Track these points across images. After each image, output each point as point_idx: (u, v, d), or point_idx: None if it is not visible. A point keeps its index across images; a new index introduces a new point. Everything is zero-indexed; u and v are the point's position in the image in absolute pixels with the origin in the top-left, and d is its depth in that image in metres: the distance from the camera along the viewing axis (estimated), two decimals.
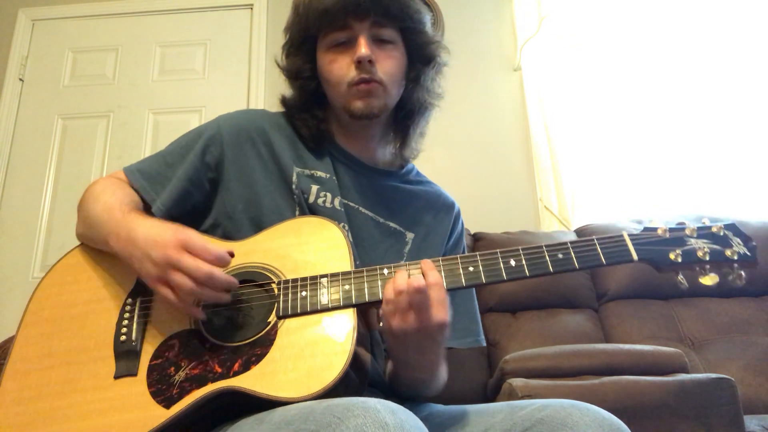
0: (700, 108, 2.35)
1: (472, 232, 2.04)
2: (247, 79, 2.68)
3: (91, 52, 2.77)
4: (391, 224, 1.00)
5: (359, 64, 0.91)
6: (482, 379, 1.73)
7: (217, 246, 0.77)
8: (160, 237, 0.77)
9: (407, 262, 0.81)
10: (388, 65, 0.94)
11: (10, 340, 1.12)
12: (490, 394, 1.42)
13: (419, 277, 0.75)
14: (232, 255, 0.78)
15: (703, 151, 2.30)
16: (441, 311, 0.74)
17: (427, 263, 0.78)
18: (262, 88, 2.64)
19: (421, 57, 0.99)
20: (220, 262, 0.75)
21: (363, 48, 0.91)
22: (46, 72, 2.73)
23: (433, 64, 1.01)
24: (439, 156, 2.46)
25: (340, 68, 0.93)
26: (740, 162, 2.26)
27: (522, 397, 1.11)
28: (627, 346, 1.35)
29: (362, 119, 0.95)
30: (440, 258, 0.80)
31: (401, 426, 0.55)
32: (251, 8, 2.80)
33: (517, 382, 1.16)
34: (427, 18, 0.99)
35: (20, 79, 2.71)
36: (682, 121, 2.34)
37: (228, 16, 2.81)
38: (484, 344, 1.02)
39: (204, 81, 2.71)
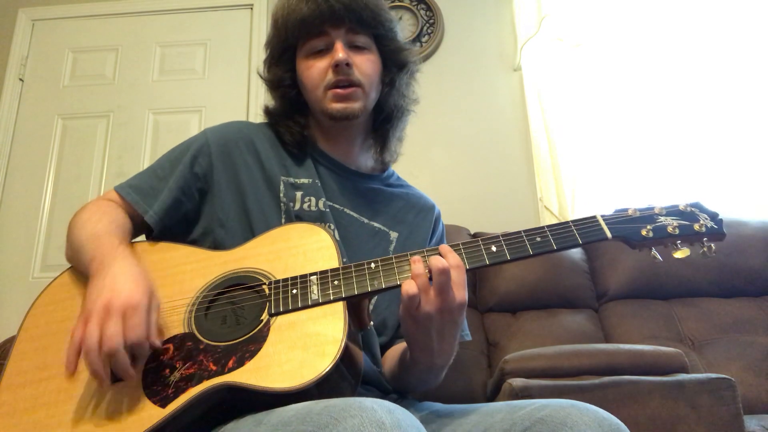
0: (700, 109, 2.34)
1: (472, 232, 2.04)
2: (247, 79, 2.68)
3: (91, 52, 2.77)
4: (375, 224, 1.05)
5: (336, 67, 0.97)
6: (482, 379, 1.73)
7: (157, 334, 0.77)
8: (128, 287, 0.76)
9: (392, 255, 0.84)
10: (365, 67, 1.00)
11: (10, 340, 1.12)
12: (490, 394, 1.41)
13: (440, 258, 0.77)
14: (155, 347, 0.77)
15: (703, 153, 2.29)
16: (461, 291, 0.78)
17: (445, 247, 0.81)
18: (263, 88, 2.59)
19: (394, 62, 1.06)
20: (152, 344, 0.75)
21: (340, 53, 0.97)
22: (46, 72, 2.73)
23: (406, 70, 1.07)
24: (439, 156, 2.46)
25: (318, 73, 0.99)
26: (739, 162, 2.25)
27: (522, 397, 1.11)
28: (627, 346, 1.35)
29: (342, 120, 1.00)
30: (425, 249, 0.83)
31: (398, 425, 0.56)
32: (251, 8, 2.80)
33: (517, 382, 1.16)
34: (398, 27, 1.08)
35: (20, 79, 2.71)
36: (683, 121, 2.34)
37: (228, 16, 2.81)
38: (470, 338, 1.07)
39: (204, 81, 2.71)
